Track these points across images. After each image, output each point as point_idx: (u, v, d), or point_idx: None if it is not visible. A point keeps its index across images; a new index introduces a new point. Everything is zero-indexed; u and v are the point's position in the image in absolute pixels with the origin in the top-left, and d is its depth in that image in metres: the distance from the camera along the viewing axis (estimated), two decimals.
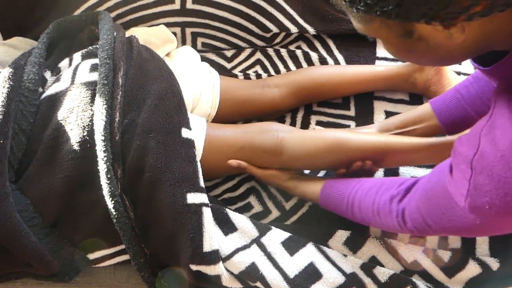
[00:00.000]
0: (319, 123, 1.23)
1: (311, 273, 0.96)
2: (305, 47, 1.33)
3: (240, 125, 1.14)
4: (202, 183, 0.96)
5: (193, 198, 0.93)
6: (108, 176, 0.89)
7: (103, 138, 0.90)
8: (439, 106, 1.05)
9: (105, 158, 0.89)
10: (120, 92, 0.95)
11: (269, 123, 1.12)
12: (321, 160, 1.05)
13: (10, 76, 0.96)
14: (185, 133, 0.97)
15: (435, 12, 0.55)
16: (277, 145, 1.04)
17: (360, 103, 1.25)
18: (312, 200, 1.06)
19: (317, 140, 1.05)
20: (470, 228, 0.71)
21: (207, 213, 0.93)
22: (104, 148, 0.89)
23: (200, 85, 1.13)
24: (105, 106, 0.92)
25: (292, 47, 1.33)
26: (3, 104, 0.92)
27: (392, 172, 1.14)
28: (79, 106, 0.94)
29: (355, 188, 0.96)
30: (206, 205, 0.94)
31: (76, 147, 0.91)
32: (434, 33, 0.61)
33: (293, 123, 1.23)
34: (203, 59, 1.29)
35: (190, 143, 0.97)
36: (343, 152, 1.02)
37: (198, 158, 0.99)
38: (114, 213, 0.90)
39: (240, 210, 1.10)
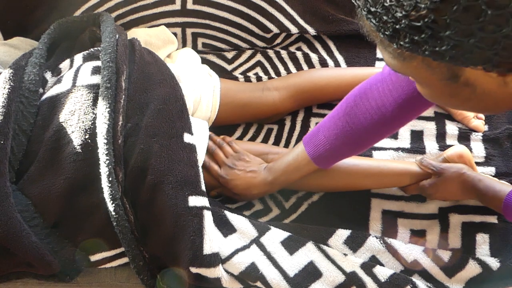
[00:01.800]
0: None
1: (311, 272, 0.96)
2: (305, 48, 1.33)
3: (242, 142, 1.16)
4: (203, 187, 0.97)
5: (195, 201, 0.93)
6: (110, 179, 0.89)
7: (105, 141, 0.90)
8: (314, 155, 1.01)
9: (107, 161, 0.89)
10: (123, 96, 0.96)
11: (271, 146, 1.16)
12: (314, 183, 1.10)
13: (11, 77, 0.96)
14: (187, 138, 0.98)
15: (502, 59, 0.49)
16: None
17: None
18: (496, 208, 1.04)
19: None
20: None
21: (208, 216, 0.94)
22: (107, 152, 0.90)
23: (200, 88, 1.13)
24: (108, 109, 0.92)
25: (292, 48, 1.34)
26: (3, 104, 0.92)
27: None
28: (81, 109, 0.94)
29: None
30: (207, 208, 0.95)
31: (78, 149, 0.91)
32: (484, 79, 0.54)
33: (293, 126, 1.24)
34: (204, 61, 1.29)
35: (192, 148, 0.98)
36: (338, 177, 1.08)
37: (200, 163, 1.00)
38: (115, 216, 0.90)
39: (241, 208, 1.11)
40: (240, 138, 1.24)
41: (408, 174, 1.10)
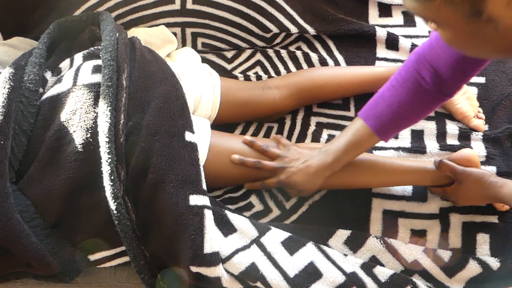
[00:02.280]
0: (319, 124, 1.23)
1: (311, 273, 0.96)
2: (305, 48, 1.33)
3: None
4: (204, 186, 0.97)
5: (196, 200, 0.93)
6: (112, 177, 0.89)
7: (107, 140, 0.90)
8: (379, 128, 1.00)
9: (109, 160, 0.89)
10: (125, 94, 0.96)
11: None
12: (341, 181, 1.09)
13: (11, 77, 0.96)
14: (188, 136, 0.98)
15: None
16: None
17: (360, 104, 1.23)
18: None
19: None
20: None
21: (208, 215, 0.94)
22: (108, 150, 0.89)
23: (201, 87, 1.13)
24: (110, 108, 0.92)
25: (292, 48, 1.33)
26: (3, 104, 0.92)
27: None
28: (82, 108, 0.94)
29: None
30: (208, 207, 0.95)
31: (79, 148, 0.91)
32: (507, 14, 0.55)
33: (293, 125, 1.24)
34: (203, 60, 1.29)
35: (193, 147, 0.98)
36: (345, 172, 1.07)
37: (202, 162, 1.00)
38: (116, 214, 0.90)
39: (241, 210, 1.11)
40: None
41: (427, 172, 1.10)
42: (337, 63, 1.30)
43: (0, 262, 0.94)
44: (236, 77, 1.29)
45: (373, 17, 1.36)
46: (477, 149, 1.16)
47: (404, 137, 1.20)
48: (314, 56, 1.30)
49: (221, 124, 1.18)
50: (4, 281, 1.00)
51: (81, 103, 0.94)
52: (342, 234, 1.04)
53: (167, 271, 0.97)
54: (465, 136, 1.19)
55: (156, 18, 1.28)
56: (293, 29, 1.30)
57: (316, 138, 1.21)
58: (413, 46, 1.28)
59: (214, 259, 0.93)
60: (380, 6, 1.37)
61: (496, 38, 0.59)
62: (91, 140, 0.91)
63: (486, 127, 1.20)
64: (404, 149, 1.18)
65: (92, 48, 1.06)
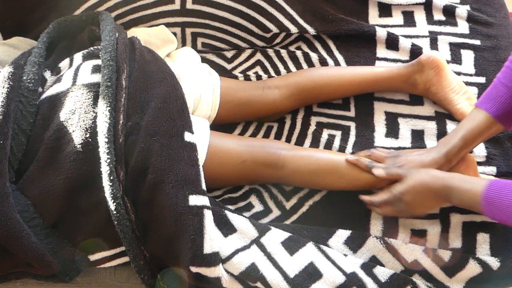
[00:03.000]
0: (319, 124, 1.23)
1: (311, 273, 0.96)
2: (305, 48, 1.33)
3: (243, 138, 1.16)
4: (204, 186, 0.97)
5: (195, 200, 0.93)
6: (111, 178, 0.89)
7: (106, 140, 0.90)
8: (496, 110, 0.92)
9: (108, 160, 0.89)
10: (124, 95, 0.96)
11: (273, 140, 1.15)
12: (321, 179, 1.08)
13: (10, 76, 0.96)
14: (187, 136, 0.98)
15: None
16: (279, 159, 1.07)
17: (360, 104, 1.25)
18: (472, 207, 0.91)
19: (320, 160, 1.08)
20: None
21: (208, 215, 0.94)
22: (108, 150, 0.89)
23: (200, 87, 1.13)
24: (109, 108, 0.92)
25: (292, 48, 1.33)
26: (2, 104, 0.92)
27: None
28: (81, 108, 0.94)
29: None
30: (208, 207, 0.95)
31: (78, 148, 0.91)
32: None
33: (293, 125, 1.24)
34: (203, 60, 1.29)
35: (192, 147, 0.98)
36: (343, 177, 1.08)
37: (201, 162, 1.00)
38: (116, 215, 0.90)
39: (241, 210, 1.11)
40: (240, 135, 1.23)
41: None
42: (337, 63, 1.30)
43: (0, 262, 0.94)
44: (236, 77, 1.29)
45: (373, 17, 1.36)
46: (478, 149, 1.16)
47: (405, 137, 1.20)
48: (314, 56, 1.30)
49: (221, 124, 1.18)
50: (4, 281, 1.00)
51: (80, 103, 0.94)
52: (342, 234, 1.04)
53: (167, 271, 0.97)
54: None
55: (156, 18, 1.28)
56: (293, 29, 1.30)
57: (316, 138, 1.21)
58: (413, 46, 1.28)
59: (214, 259, 0.93)
60: (380, 6, 1.37)
61: None
62: (90, 140, 0.91)
63: None
64: (404, 149, 1.18)
65: (91, 48, 1.06)
